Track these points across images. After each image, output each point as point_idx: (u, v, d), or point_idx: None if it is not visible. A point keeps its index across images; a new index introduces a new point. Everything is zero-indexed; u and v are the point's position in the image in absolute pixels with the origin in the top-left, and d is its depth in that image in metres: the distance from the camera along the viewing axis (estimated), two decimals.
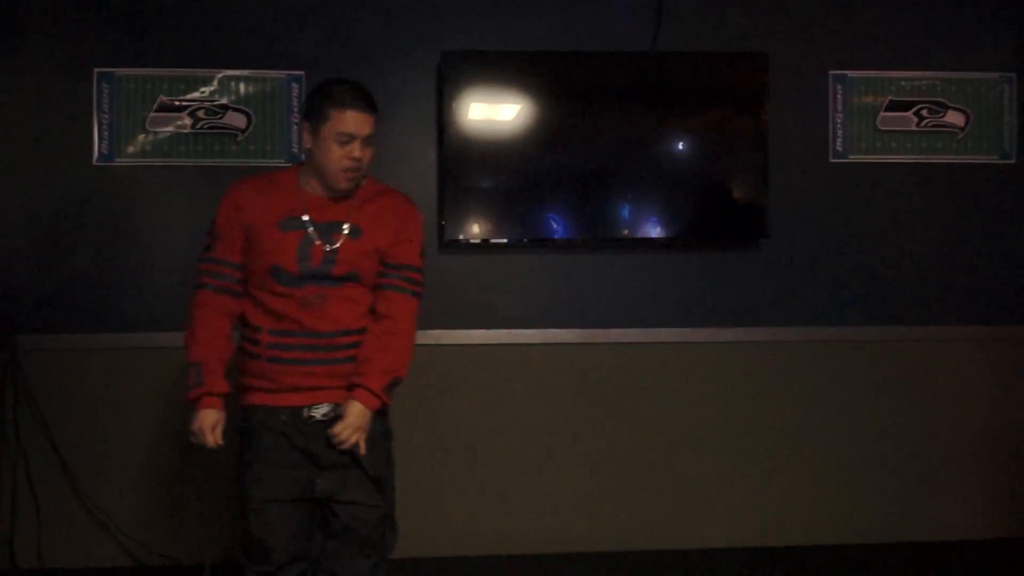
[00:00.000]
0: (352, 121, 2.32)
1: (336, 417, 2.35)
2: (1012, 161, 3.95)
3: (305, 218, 2.37)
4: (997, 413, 3.93)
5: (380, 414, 2.43)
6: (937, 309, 3.90)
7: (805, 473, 3.87)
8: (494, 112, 3.72)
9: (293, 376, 2.35)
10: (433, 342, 3.67)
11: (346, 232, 2.38)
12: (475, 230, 3.72)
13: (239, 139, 3.70)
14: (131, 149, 3.65)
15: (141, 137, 3.66)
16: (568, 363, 3.81)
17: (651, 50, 3.81)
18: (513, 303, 3.81)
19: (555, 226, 3.74)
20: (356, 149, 2.33)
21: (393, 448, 2.53)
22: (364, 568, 2.43)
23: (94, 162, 3.65)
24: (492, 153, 3.70)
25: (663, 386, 3.84)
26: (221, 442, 2.36)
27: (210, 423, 2.34)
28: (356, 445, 2.33)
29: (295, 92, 3.71)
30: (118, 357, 3.63)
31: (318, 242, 2.35)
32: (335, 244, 2.36)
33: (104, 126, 3.65)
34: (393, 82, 3.73)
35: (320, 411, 2.37)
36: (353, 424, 2.32)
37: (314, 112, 2.37)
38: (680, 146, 3.78)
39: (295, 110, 3.71)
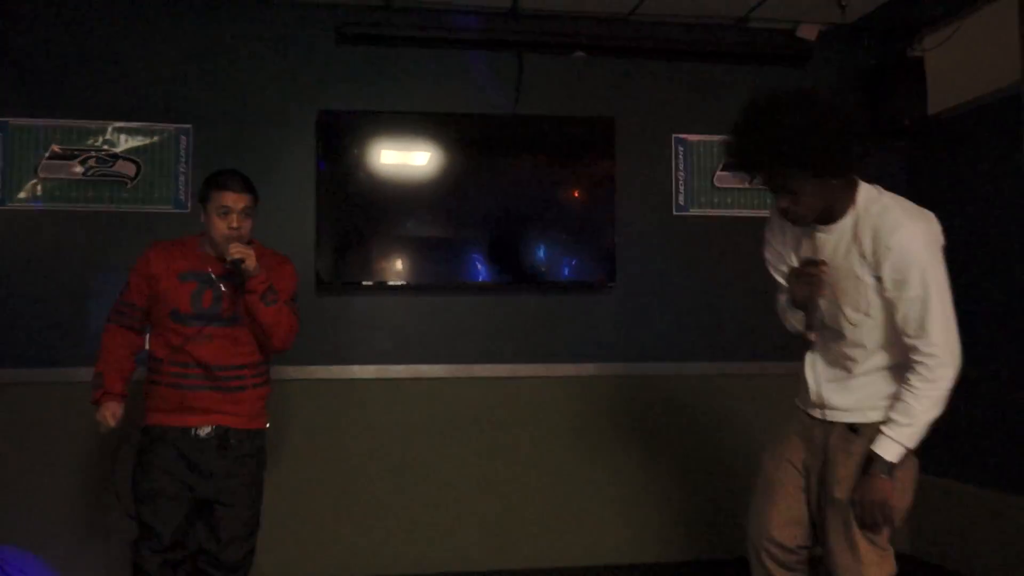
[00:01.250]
0: (229, 198, 2.83)
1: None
2: None
3: (209, 270, 2.88)
4: None
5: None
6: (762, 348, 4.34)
7: (668, 489, 4.27)
8: (367, 166, 4.08)
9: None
10: (308, 376, 3.98)
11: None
12: (349, 273, 4.06)
13: (128, 186, 3.96)
14: (22, 195, 3.89)
15: (32, 183, 3.89)
16: (434, 396, 4.15)
17: (512, 112, 4.23)
18: (384, 340, 4.13)
19: (419, 270, 4.12)
20: (234, 220, 2.83)
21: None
22: None
23: None
24: (365, 204, 4.06)
25: (516, 417, 4.21)
26: (113, 424, 2.82)
27: (110, 412, 2.82)
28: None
29: (183, 144, 4.01)
30: (10, 392, 3.83)
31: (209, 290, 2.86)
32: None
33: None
34: (276, 136, 4.07)
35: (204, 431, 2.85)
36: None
37: (203, 194, 2.91)
38: (537, 199, 4.20)
39: (183, 160, 4.00)
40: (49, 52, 3.95)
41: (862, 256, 2.30)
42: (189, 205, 3.98)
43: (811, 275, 2.40)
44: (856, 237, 2.31)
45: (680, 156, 4.39)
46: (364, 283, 4.10)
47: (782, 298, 2.56)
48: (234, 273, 2.83)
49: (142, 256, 2.97)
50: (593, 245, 4.24)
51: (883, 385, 2.37)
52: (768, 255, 2.59)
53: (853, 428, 2.39)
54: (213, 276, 2.88)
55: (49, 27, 3.96)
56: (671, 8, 4.23)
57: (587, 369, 4.25)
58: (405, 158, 4.14)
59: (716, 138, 4.39)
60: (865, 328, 2.35)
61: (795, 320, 2.54)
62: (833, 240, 2.36)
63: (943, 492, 4.21)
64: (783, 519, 2.49)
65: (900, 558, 2.43)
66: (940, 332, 2.22)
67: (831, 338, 2.46)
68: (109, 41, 4.00)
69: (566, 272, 4.24)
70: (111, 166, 3.96)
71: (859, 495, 2.30)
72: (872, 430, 2.33)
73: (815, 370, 2.52)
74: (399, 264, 4.14)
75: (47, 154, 3.91)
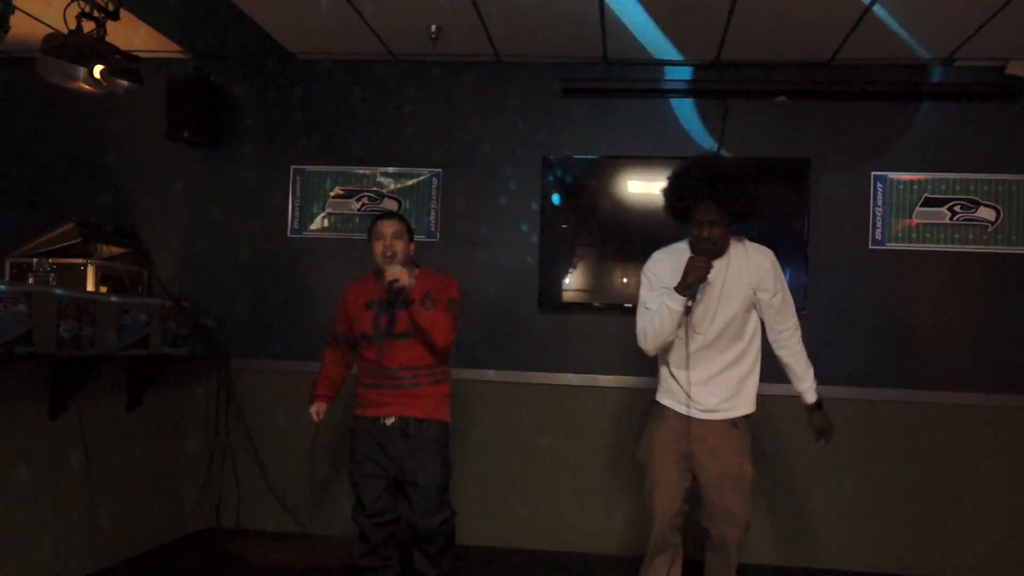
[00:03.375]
0: (382, 225, 3.57)
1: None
2: None
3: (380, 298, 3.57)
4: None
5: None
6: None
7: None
8: (579, 199, 4.74)
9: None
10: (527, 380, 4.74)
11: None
12: (567, 293, 4.75)
13: None
14: (314, 226, 4.95)
15: (321, 216, 4.93)
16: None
17: (717, 153, 4.68)
18: (591, 352, 4.78)
19: (623, 293, 4.71)
20: (387, 240, 3.53)
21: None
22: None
23: (288, 234, 4.96)
24: (576, 227, 4.75)
25: None
26: (316, 420, 3.70)
27: (315, 409, 3.71)
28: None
29: (435, 184, 4.88)
30: (299, 378, 4.87)
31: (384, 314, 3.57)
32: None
33: (296, 207, 4.96)
34: (508, 176, 4.85)
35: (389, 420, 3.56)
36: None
37: (368, 231, 3.65)
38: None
39: (434, 197, 4.87)
40: (332, 113, 4.98)
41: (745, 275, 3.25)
42: (438, 235, 4.86)
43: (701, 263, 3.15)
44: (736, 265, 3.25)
45: (879, 193, 4.62)
46: (578, 302, 4.77)
47: (653, 308, 3.23)
48: (394, 292, 3.42)
49: (343, 293, 3.77)
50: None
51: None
52: (652, 281, 3.32)
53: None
54: (380, 301, 3.55)
55: (335, 91, 4.99)
56: (873, 51, 4.46)
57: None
58: (619, 197, 4.74)
59: (917, 176, 4.59)
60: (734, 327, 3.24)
61: (673, 303, 3.15)
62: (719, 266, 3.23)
63: None
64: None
65: None
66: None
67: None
68: (379, 102, 4.96)
69: None
70: (379, 203, 4.91)
71: (819, 423, 3.34)
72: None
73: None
74: (607, 286, 4.76)
75: (332, 194, 4.94)
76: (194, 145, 4.95)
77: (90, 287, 4.29)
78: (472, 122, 4.90)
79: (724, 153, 4.67)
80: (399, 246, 3.55)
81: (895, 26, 4.17)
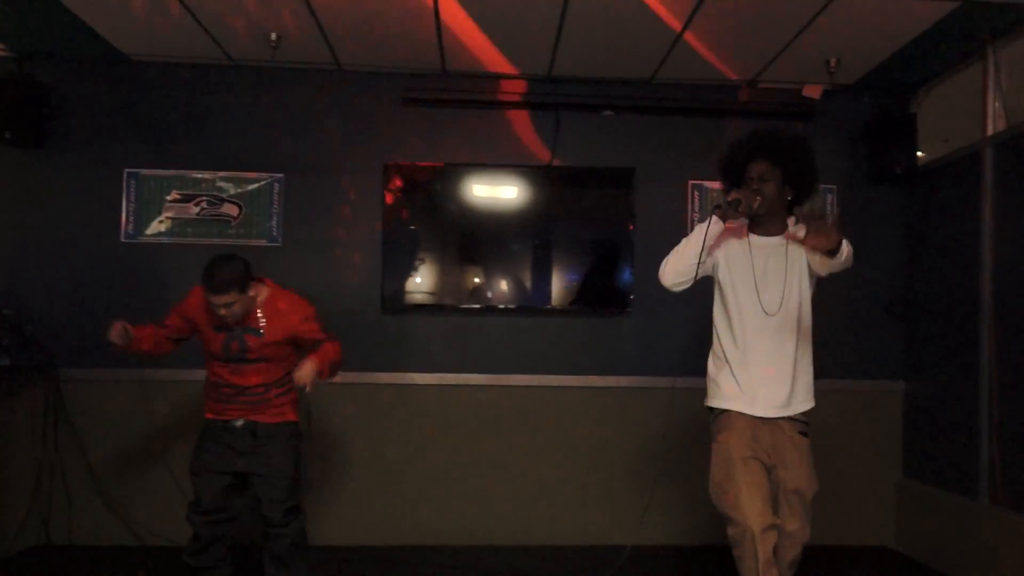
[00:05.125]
0: (209, 298, 3.44)
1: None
2: None
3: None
4: None
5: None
6: None
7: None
8: (419, 205, 4.92)
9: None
10: (373, 381, 4.85)
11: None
12: (409, 295, 4.91)
13: (232, 224, 4.88)
14: (150, 230, 4.85)
15: (158, 221, 4.85)
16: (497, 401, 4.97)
17: (550, 165, 4.99)
18: (438, 352, 4.96)
19: (490, 293, 4.94)
20: (223, 311, 3.46)
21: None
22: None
23: (121, 239, 4.84)
24: (417, 232, 4.93)
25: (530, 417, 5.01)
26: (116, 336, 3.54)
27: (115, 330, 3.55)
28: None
29: (276, 189, 4.90)
30: (132, 388, 4.80)
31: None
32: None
33: (130, 211, 4.84)
34: (350, 183, 4.95)
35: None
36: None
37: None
38: (566, 237, 4.97)
39: (275, 202, 4.89)
40: (169, 116, 4.90)
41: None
42: (280, 239, 4.89)
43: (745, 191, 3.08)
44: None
45: (696, 199, 5.07)
46: (420, 304, 4.94)
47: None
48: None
49: (189, 297, 3.67)
50: (613, 275, 4.97)
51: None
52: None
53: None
54: (230, 329, 3.55)
55: (171, 94, 4.91)
56: (688, 72, 4.90)
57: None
58: (457, 203, 4.94)
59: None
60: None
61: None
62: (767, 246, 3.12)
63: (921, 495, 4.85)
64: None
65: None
66: None
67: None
68: (218, 106, 4.93)
69: (588, 297, 4.99)
70: (219, 208, 4.88)
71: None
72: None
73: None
74: (452, 287, 4.96)
75: (169, 198, 4.86)
76: (17, 146, 4.73)
77: None
78: (313, 128, 4.97)
79: (557, 163, 4.99)
80: (237, 308, 3.48)
81: (705, 51, 4.61)
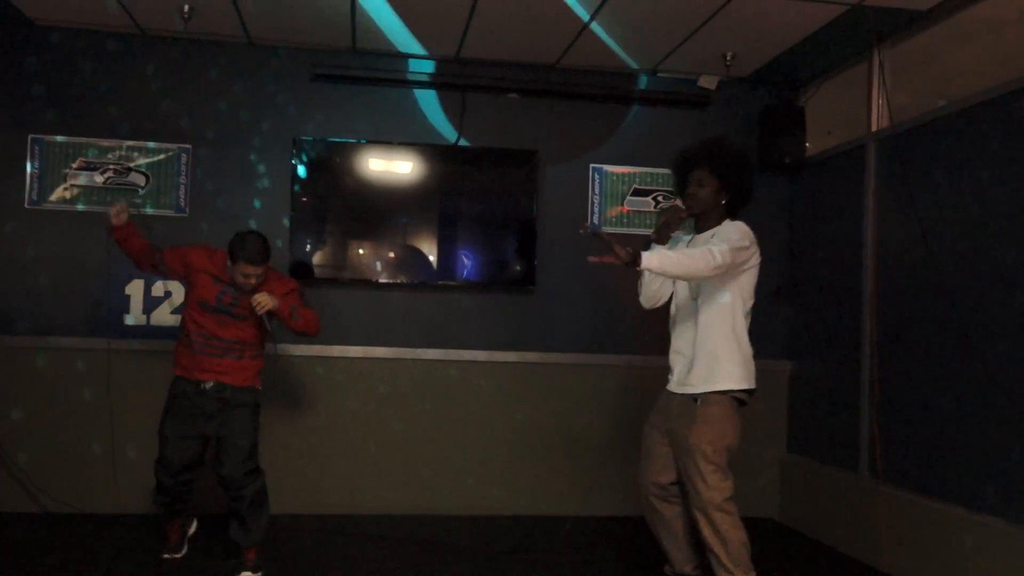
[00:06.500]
0: (243, 266, 3.69)
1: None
2: None
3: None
4: None
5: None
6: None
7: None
8: (328, 181, 5.02)
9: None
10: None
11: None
12: (318, 269, 5.01)
13: (140, 193, 4.91)
14: (54, 197, 4.85)
15: (62, 188, 4.85)
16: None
17: (456, 144, 5.13)
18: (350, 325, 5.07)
19: (373, 269, 5.06)
20: (252, 281, 3.72)
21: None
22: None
23: (25, 205, 4.83)
24: (325, 207, 5.04)
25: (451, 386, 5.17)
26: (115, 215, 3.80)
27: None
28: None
29: (183, 160, 4.95)
30: (31, 353, 4.81)
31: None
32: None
33: (35, 177, 4.83)
34: (258, 156, 5.02)
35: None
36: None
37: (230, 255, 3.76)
38: (472, 215, 5.13)
39: (183, 173, 4.94)
40: (77, 83, 4.90)
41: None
42: (187, 210, 4.94)
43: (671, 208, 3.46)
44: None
45: (596, 182, 5.26)
46: (328, 278, 5.04)
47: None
48: (264, 318, 3.70)
49: (192, 247, 3.95)
50: (517, 253, 5.14)
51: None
52: None
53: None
54: (230, 285, 3.81)
55: (78, 61, 4.90)
56: (592, 59, 5.08)
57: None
58: (366, 179, 5.05)
59: (628, 169, 5.28)
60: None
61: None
62: (699, 241, 3.42)
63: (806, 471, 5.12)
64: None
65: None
66: None
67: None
68: (127, 75, 4.94)
69: (492, 273, 5.16)
70: (126, 177, 4.91)
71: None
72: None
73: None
74: (361, 262, 5.07)
75: (75, 165, 4.86)
76: None
77: None
78: (223, 101, 5.02)
79: (463, 143, 5.13)
80: (260, 280, 3.75)
81: (609, 40, 4.79)
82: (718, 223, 3.41)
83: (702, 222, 3.45)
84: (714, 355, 3.32)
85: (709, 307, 3.34)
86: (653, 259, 3.05)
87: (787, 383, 5.40)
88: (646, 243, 3.30)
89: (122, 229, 3.84)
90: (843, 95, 5.12)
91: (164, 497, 3.96)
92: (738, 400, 3.35)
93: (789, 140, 5.18)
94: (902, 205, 4.36)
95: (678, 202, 3.44)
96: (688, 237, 3.53)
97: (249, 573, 3.84)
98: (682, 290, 3.49)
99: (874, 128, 4.70)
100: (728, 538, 3.26)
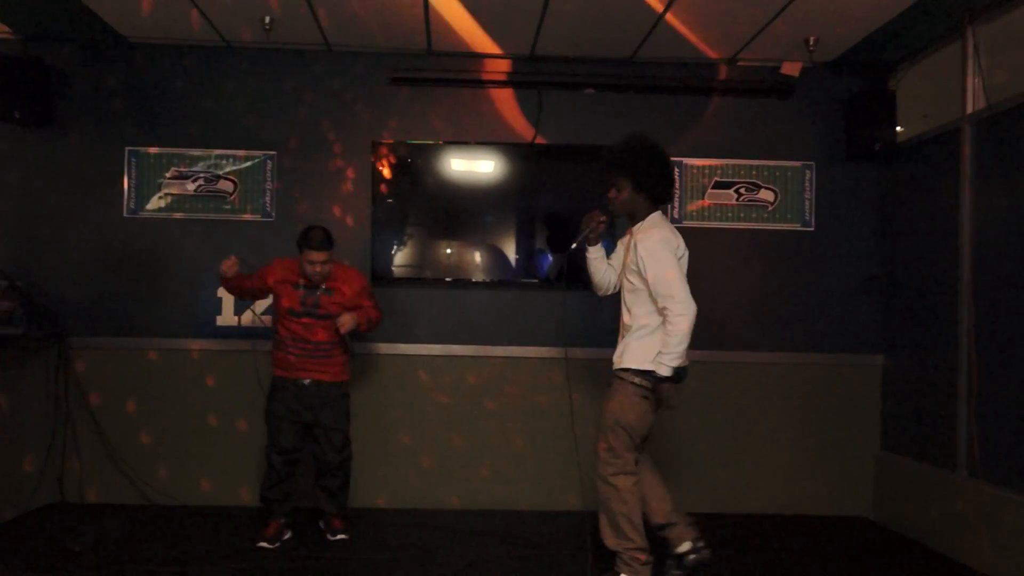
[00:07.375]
0: (309, 254, 4.16)
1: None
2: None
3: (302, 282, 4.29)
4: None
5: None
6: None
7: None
8: (407, 182, 5.09)
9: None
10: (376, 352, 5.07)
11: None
12: (399, 268, 5.10)
13: (228, 200, 5.10)
14: (150, 206, 5.09)
15: (157, 197, 5.08)
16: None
17: (532, 142, 5.13)
18: (423, 325, 5.15)
19: (474, 267, 5.12)
20: (317, 267, 4.18)
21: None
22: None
23: (124, 214, 5.09)
24: (405, 208, 5.12)
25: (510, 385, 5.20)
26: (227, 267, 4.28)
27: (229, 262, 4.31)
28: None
29: (268, 167, 5.11)
30: (134, 355, 5.07)
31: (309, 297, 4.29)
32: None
33: (132, 188, 5.08)
34: (340, 159, 5.14)
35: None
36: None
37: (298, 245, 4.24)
38: (552, 215, 5.12)
39: (269, 179, 5.10)
40: (167, 97, 5.12)
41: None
42: (274, 215, 5.10)
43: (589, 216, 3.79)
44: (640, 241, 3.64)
45: (677, 174, 5.17)
46: (409, 277, 5.13)
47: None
48: (347, 338, 4.31)
49: (272, 265, 4.36)
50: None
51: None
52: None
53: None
54: (306, 286, 4.27)
55: (169, 75, 5.12)
56: (668, 50, 4.99)
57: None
58: (444, 179, 5.11)
59: (709, 161, 5.17)
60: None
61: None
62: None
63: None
64: None
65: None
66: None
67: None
68: (213, 88, 5.13)
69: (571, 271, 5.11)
70: (215, 184, 5.10)
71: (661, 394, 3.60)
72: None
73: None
74: (442, 262, 5.15)
75: (168, 175, 5.09)
76: (25, 125, 4.98)
77: None
78: (304, 108, 5.16)
79: (541, 140, 5.13)
80: (327, 267, 4.22)
81: (686, 31, 4.70)
82: (646, 215, 3.70)
83: (631, 218, 3.76)
84: (640, 341, 3.63)
85: (636, 298, 3.68)
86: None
87: (880, 378, 5.21)
88: (576, 248, 3.78)
89: (231, 280, 4.32)
90: (934, 77, 4.88)
91: (273, 478, 4.35)
92: (642, 386, 3.59)
93: (879, 126, 4.98)
94: (1001, 191, 4.15)
95: (596, 211, 3.75)
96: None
97: (342, 535, 4.42)
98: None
99: (969, 110, 4.46)
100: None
